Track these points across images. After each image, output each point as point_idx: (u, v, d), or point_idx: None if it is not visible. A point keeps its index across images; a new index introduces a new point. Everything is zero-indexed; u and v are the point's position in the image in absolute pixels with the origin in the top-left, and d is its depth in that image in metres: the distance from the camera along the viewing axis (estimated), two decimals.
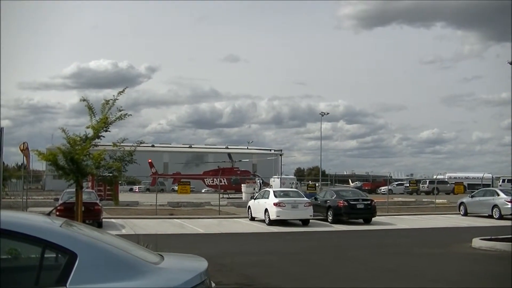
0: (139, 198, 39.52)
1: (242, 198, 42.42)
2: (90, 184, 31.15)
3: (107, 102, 11.14)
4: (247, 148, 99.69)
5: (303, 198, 23.33)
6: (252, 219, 24.28)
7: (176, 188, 40.00)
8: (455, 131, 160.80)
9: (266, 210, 22.51)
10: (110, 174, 11.89)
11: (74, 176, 10.95)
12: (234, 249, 15.27)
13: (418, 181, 56.74)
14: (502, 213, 25.41)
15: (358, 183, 73.22)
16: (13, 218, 3.70)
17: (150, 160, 58.14)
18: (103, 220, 21.50)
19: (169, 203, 33.98)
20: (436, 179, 50.74)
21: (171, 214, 27.18)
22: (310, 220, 22.61)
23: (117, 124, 11.39)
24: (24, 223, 3.60)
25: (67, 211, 14.67)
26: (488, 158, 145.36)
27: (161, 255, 4.06)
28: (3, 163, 13.51)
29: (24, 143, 22.57)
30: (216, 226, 22.04)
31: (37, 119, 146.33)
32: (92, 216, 19.25)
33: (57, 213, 15.98)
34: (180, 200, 34.63)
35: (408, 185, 52.68)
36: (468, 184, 54.53)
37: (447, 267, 11.96)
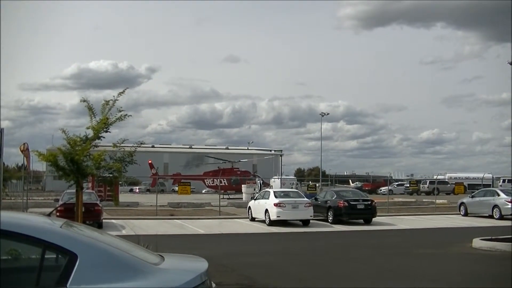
0: (139, 199, 39.50)
1: (242, 198, 42.43)
2: (90, 184, 31.14)
3: (107, 102, 11.14)
4: (247, 149, 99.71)
5: (304, 199, 23.34)
6: (253, 219, 24.29)
7: (176, 188, 40.00)
8: (456, 131, 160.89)
9: (266, 210, 22.52)
10: (110, 175, 11.89)
11: (74, 176, 10.95)
12: (234, 250, 15.27)
13: (418, 182, 56.66)
14: (503, 213, 25.41)
15: (358, 184, 73.20)
16: (13, 219, 3.70)
17: (150, 161, 58.11)
18: (103, 220, 21.51)
19: (169, 203, 33.98)
20: (436, 179, 50.71)
21: (172, 215, 27.18)
22: (311, 221, 22.61)
23: (117, 124, 11.41)
24: (25, 224, 3.60)
25: (67, 212, 14.68)
26: (489, 159, 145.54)
27: (161, 255, 4.07)
28: (3, 164, 13.53)
29: (24, 143, 22.56)
30: (216, 227, 22.04)
31: (38, 120, 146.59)
32: (92, 217, 19.25)
33: (58, 213, 16.00)
34: (181, 200, 34.63)
35: (408, 185, 52.68)
36: (468, 184, 54.40)
37: (448, 267, 11.96)
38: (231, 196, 47.95)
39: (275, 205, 21.99)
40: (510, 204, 25.27)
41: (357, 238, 18.89)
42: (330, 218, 23.46)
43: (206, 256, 4.53)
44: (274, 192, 23.93)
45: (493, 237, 14.95)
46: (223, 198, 36.84)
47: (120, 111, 11.26)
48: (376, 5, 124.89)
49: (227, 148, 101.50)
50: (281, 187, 39.40)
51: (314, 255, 14.44)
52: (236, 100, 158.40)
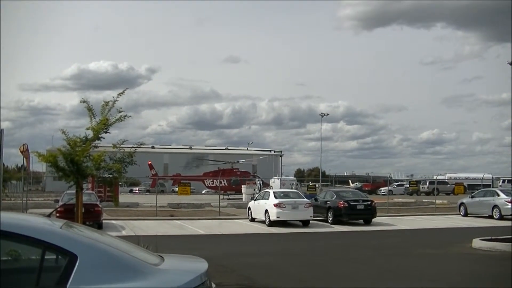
0: (139, 200, 39.51)
1: (242, 199, 42.44)
2: (90, 185, 31.13)
3: (106, 103, 11.15)
4: (247, 149, 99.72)
5: (303, 199, 23.34)
6: (252, 220, 24.29)
7: (176, 189, 40.00)
8: (456, 131, 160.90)
9: (266, 211, 22.52)
10: (110, 176, 11.89)
11: (74, 177, 10.95)
12: (234, 250, 15.28)
13: (418, 182, 56.62)
14: (502, 213, 25.42)
15: (358, 184, 73.23)
16: (13, 219, 3.70)
17: (150, 162, 58.18)
18: (103, 221, 21.52)
19: (169, 204, 34.00)
20: (436, 179, 50.71)
21: (171, 215, 27.19)
22: (310, 221, 22.61)
23: (117, 125, 11.41)
24: (25, 225, 3.60)
25: (67, 213, 14.67)
26: (489, 159, 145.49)
27: (161, 256, 4.07)
28: (3, 164, 13.53)
29: (24, 144, 22.56)
30: (216, 227, 22.04)
31: (37, 120, 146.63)
32: (92, 218, 19.25)
33: (57, 214, 15.98)
34: (180, 201, 34.64)
35: (408, 185, 52.61)
36: (468, 184, 54.46)
37: (447, 268, 11.96)
38: (231, 197, 47.95)
39: (275, 205, 22.00)
40: (510, 204, 25.28)
41: (357, 238, 18.90)
42: (330, 218, 23.47)
43: (206, 256, 4.54)
44: (274, 192, 23.94)
45: (493, 237, 14.96)
46: (223, 198, 36.84)
47: (120, 112, 11.27)
48: (376, 6, 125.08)
49: (227, 149, 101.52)
50: (281, 188, 39.41)
51: (314, 255, 14.44)
52: (236, 100, 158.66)
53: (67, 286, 3.24)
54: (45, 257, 3.38)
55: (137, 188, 69.09)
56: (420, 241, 17.58)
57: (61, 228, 3.72)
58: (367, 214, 23.58)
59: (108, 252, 3.54)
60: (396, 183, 68.28)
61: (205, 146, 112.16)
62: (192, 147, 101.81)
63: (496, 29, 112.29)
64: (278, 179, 51.17)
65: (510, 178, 49.07)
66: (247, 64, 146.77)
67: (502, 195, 26.42)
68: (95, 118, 11.10)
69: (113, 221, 23.48)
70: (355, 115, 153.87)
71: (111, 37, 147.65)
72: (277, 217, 21.90)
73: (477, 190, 31.61)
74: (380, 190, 63.48)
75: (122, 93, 11.51)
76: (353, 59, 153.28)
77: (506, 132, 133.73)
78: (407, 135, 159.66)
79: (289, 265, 12.56)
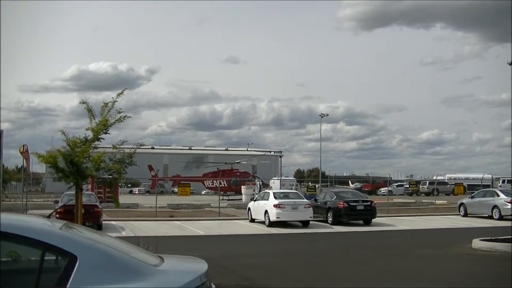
0: (139, 200, 39.53)
1: (242, 199, 42.45)
2: (90, 186, 31.14)
3: (106, 104, 11.16)
4: (247, 150, 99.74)
5: (303, 200, 23.34)
6: (252, 220, 24.29)
7: (176, 190, 40.02)
8: (455, 132, 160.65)
9: (266, 211, 22.53)
10: (110, 176, 11.91)
11: (74, 178, 10.96)
12: (234, 251, 15.28)
13: (418, 182, 56.62)
14: (502, 213, 25.43)
15: (358, 185, 73.18)
16: (13, 220, 3.70)
17: (150, 165, 58.44)
18: (103, 222, 21.51)
19: (169, 205, 34.02)
20: (436, 180, 50.70)
21: (171, 216, 27.20)
22: (310, 222, 22.61)
23: (117, 126, 11.44)
24: (24, 226, 3.60)
25: (67, 214, 14.68)
26: (488, 159, 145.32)
27: (161, 257, 4.07)
28: (3, 165, 13.54)
29: (24, 145, 22.63)
30: (216, 228, 22.05)
31: (37, 121, 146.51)
32: (92, 218, 19.25)
33: (57, 215, 15.97)
34: (180, 202, 34.66)
35: (408, 186, 52.60)
36: (468, 185, 54.51)
37: (447, 268, 11.96)
38: (231, 197, 47.97)
39: (275, 206, 22.00)
40: (509, 204, 25.29)
41: (357, 239, 18.90)
42: (330, 219, 23.47)
43: (206, 257, 4.54)
44: (273, 193, 23.94)
45: (492, 238, 14.96)
46: (222, 199, 36.84)
47: (119, 113, 11.28)
48: (375, 6, 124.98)
49: (226, 149, 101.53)
50: (280, 188, 39.42)
51: (314, 256, 14.44)
52: (235, 101, 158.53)
53: (67, 287, 3.24)
54: (45, 258, 3.38)
55: (137, 189, 69.13)
56: (420, 242, 17.59)
57: (60, 229, 3.72)
58: (367, 214, 23.59)
59: (108, 253, 3.54)
60: (396, 184, 68.23)
61: (205, 146, 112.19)
62: (192, 148, 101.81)
63: (496, 29, 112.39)
64: (277, 179, 51.18)
65: (510, 179, 49.06)
66: (246, 65, 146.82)
67: (502, 196, 26.42)
68: (94, 119, 11.13)
69: (113, 222, 23.49)
70: (354, 115, 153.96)
71: (111, 38, 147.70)
72: (277, 217, 21.91)
73: (477, 190, 31.61)
74: (380, 191, 63.46)
75: (121, 93, 11.54)
76: (353, 60, 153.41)
77: (506, 132, 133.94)
78: (407, 135, 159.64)
79: (289, 265, 12.56)
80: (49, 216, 4.60)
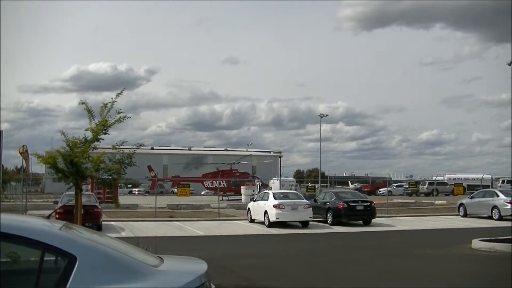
0: (138, 201, 39.52)
1: (241, 200, 42.43)
2: (89, 187, 31.13)
3: (105, 105, 11.15)
4: (247, 150, 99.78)
5: (303, 200, 23.34)
6: (252, 221, 24.29)
7: (175, 190, 40.00)
8: (455, 132, 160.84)
9: (265, 212, 22.52)
10: (110, 177, 11.90)
11: (73, 179, 10.96)
12: (233, 251, 15.28)
13: (417, 183, 56.63)
14: (502, 214, 25.43)
15: (357, 185, 73.19)
16: (12, 221, 3.69)
17: (149, 166, 58.46)
18: (103, 222, 21.50)
19: (168, 205, 34.02)
20: (435, 180, 50.70)
21: (171, 217, 27.18)
22: (310, 222, 22.61)
23: (117, 126, 11.43)
24: (24, 226, 3.60)
25: (66, 214, 14.66)
26: (488, 159, 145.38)
27: (160, 257, 4.07)
28: (3, 166, 13.53)
29: (23, 146, 22.64)
30: (215, 228, 22.04)
31: (37, 122, 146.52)
32: (91, 219, 19.24)
33: (57, 216, 15.94)
34: (180, 202, 34.65)
35: (407, 186, 52.65)
36: (467, 185, 54.49)
37: (447, 268, 11.97)
38: (230, 198, 47.95)
39: (274, 206, 22.00)
40: (509, 205, 25.30)
41: (357, 239, 18.90)
42: (330, 219, 23.47)
43: (206, 257, 4.53)
44: (273, 193, 23.94)
45: (492, 238, 14.96)
46: (222, 199, 36.83)
47: (119, 113, 11.28)
48: (375, 6, 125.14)
49: (226, 150, 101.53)
50: (280, 189, 39.40)
51: (314, 256, 14.44)
52: (235, 101, 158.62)
53: (66, 287, 3.23)
54: (44, 258, 3.37)
55: (137, 189, 69.12)
56: (419, 242, 17.59)
57: (60, 229, 3.72)
58: (367, 215, 23.59)
59: (107, 254, 3.53)
60: (396, 184, 68.24)
61: (205, 147, 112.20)
62: (192, 148, 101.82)
63: (495, 29, 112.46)
64: (277, 180, 51.17)
65: (510, 179, 49.08)
66: (246, 65, 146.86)
67: (501, 196, 26.43)
68: (94, 120, 11.12)
69: (112, 223, 23.48)
70: (354, 116, 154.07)
71: (111, 38, 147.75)
72: (277, 218, 21.90)
73: (477, 190, 31.60)
74: (379, 191, 63.46)
75: (120, 93, 11.53)
76: (352, 60, 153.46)
77: (506, 132, 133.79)
78: (406, 135, 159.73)
79: (289, 266, 12.56)
80: (48, 217, 4.59)
